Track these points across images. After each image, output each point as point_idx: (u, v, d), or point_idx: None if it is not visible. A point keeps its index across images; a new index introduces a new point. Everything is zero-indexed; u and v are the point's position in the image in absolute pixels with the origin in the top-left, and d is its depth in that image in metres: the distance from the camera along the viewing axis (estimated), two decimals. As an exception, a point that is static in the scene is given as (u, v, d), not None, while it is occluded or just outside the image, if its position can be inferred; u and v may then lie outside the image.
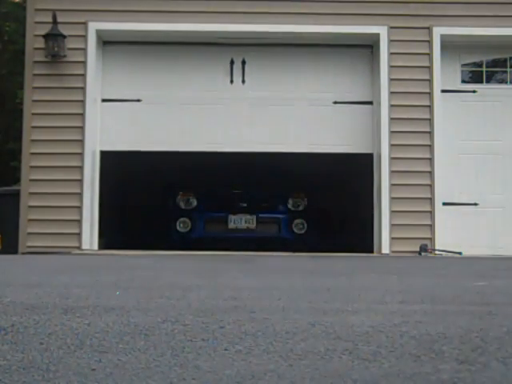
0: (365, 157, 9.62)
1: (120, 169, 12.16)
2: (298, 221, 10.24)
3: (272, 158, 10.23)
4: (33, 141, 9.13)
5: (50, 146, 9.10)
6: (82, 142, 9.12)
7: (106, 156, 9.53)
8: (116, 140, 9.57)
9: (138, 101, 9.62)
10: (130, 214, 13.67)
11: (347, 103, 9.70)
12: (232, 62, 9.66)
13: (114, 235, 11.07)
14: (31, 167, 9.10)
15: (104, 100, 9.57)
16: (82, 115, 9.16)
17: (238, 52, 9.73)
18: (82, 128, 9.14)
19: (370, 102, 9.63)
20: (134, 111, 9.63)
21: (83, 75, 9.21)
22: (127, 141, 9.61)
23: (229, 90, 9.69)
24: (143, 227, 13.14)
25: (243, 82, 9.64)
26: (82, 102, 9.17)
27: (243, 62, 9.67)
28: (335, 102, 9.67)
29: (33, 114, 9.15)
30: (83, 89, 9.19)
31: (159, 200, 11.20)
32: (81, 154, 9.12)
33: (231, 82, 9.65)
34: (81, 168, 9.09)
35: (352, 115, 9.69)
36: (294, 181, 11.10)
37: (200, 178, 11.57)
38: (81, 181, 9.10)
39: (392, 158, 9.22)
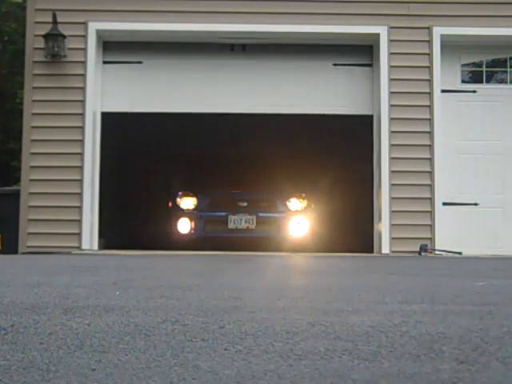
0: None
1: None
2: (298, 220, 10.23)
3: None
4: (33, 141, 9.13)
5: (49, 146, 9.10)
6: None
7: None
8: (117, 102, 9.64)
9: (139, 63, 9.66)
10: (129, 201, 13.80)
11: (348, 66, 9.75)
12: (232, 45, 9.82)
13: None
14: (31, 167, 9.10)
15: (105, 62, 9.61)
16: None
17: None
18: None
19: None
20: (135, 73, 9.70)
21: (83, 75, 9.22)
22: (127, 102, 9.68)
23: (229, 55, 9.79)
24: (143, 226, 13.16)
25: (244, 49, 9.77)
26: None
27: (243, 44, 9.83)
28: (335, 64, 9.76)
29: (33, 114, 9.15)
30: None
31: (159, 200, 11.20)
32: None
33: (232, 49, 9.77)
34: (81, 168, 9.09)
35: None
36: (293, 175, 11.10)
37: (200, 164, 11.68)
38: (81, 181, 9.10)
39: (392, 158, 9.22)
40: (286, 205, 10.32)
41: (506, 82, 9.81)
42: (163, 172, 12.57)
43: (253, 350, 2.04)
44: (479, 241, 9.37)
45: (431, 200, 9.19)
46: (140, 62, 9.70)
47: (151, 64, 9.74)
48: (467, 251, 9.13)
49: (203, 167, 11.66)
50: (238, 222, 9.98)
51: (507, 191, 9.52)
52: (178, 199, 10.31)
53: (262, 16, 9.32)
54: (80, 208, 9.06)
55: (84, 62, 9.24)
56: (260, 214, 10.07)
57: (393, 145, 9.23)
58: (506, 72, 9.83)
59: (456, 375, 1.74)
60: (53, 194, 9.05)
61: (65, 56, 9.17)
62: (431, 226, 9.14)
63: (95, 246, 9.22)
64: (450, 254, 8.97)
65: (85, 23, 9.28)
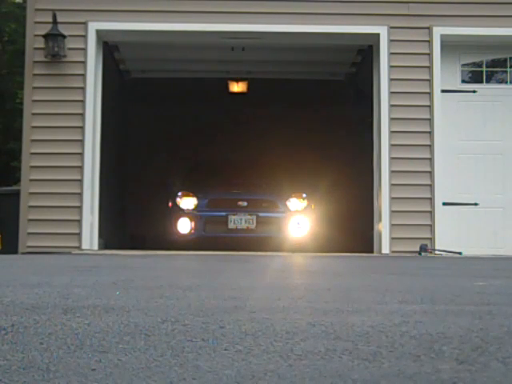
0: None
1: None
2: (298, 220, 10.22)
3: None
4: (33, 141, 9.12)
5: (49, 146, 9.10)
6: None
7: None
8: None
9: None
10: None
11: None
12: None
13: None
14: (31, 167, 9.09)
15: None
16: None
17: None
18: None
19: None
20: None
21: (83, 75, 9.21)
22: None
23: None
24: (144, 224, 13.16)
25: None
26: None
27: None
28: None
29: (33, 114, 9.14)
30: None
31: (159, 200, 11.20)
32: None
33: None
34: (81, 168, 9.08)
35: None
36: (294, 176, 11.08)
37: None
38: (81, 181, 9.09)
39: (392, 158, 9.21)
40: (286, 205, 10.32)
41: (506, 82, 9.80)
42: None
43: (253, 349, 2.04)
44: (479, 241, 9.36)
45: (431, 200, 9.19)
46: None
47: None
48: (467, 251, 9.12)
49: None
50: (238, 222, 9.97)
51: (507, 191, 9.51)
52: (178, 199, 10.30)
53: (262, 16, 9.31)
54: (80, 208, 9.05)
55: (84, 62, 9.23)
56: (260, 214, 10.06)
57: (393, 145, 9.23)
58: (506, 72, 9.83)
59: (456, 375, 1.74)
60: (53, 194, 9.05)
61: (65, 56, 9.16)
62: (431, 226, 9.14)
63: (95, 246, 9.21)
64: (449, 254, 8.96)
65: (85, 23, 9.27)
